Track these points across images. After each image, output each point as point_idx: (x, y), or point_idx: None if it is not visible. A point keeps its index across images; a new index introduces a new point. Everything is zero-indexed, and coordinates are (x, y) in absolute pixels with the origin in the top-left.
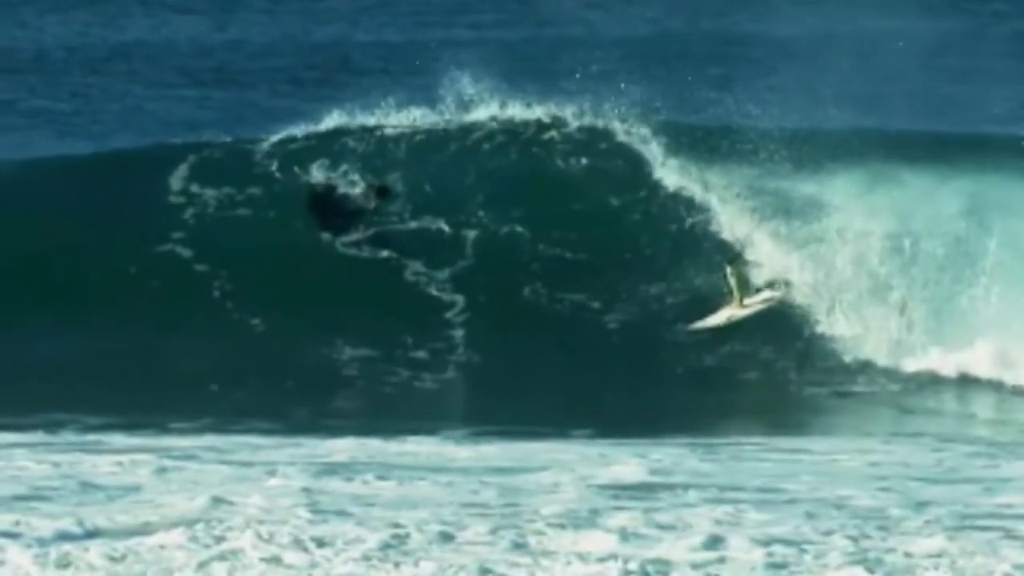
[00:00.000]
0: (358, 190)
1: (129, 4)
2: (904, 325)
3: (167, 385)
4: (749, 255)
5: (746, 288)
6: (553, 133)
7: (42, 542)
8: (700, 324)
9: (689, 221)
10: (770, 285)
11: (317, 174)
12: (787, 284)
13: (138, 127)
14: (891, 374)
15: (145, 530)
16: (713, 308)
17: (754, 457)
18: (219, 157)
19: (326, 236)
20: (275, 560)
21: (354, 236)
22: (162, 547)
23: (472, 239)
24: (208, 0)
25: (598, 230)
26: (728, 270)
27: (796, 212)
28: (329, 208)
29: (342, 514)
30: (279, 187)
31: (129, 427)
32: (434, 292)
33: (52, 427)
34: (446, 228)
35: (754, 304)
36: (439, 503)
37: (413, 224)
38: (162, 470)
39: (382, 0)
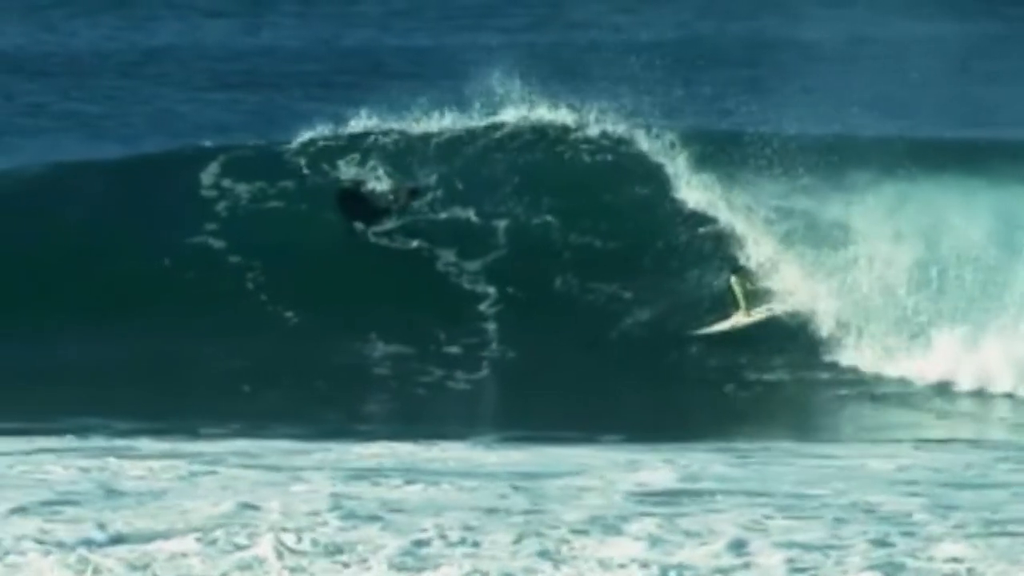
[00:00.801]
0: (388, 189)
1: (158, 8)
2: (931, 333)
3: (198, 389)
4: (769, 275)
5: (750, 298)
6: (578, 136)
7: (64, 547)
8: (704, 331)
9: (709, 228)
10: (773, 297)
11: (347, 174)
12: (790, 295)
13: (168, 130)
14: (920, 380)
15: (168, 536)
16: (723, 315)
17: (782, 462)
18: (249, 159)
19: (358, 229)
20: (298, 569)
21: (385, 228)
22: (184, 554)
23: (503, 229)
24: (238, 3)
25: (622, 236)
26: (733, 280)
27: (823, 238)
28: (360, 207)
29: (367, 519)
30: (310, 187)
31: (158, 432)
32: (466, 284)
33: (81, 432)
34: (476, 220)
35: (759, 314)
36: (464, 509)
37: (443, 215)
38: (188, 475)
39: (412, 5)
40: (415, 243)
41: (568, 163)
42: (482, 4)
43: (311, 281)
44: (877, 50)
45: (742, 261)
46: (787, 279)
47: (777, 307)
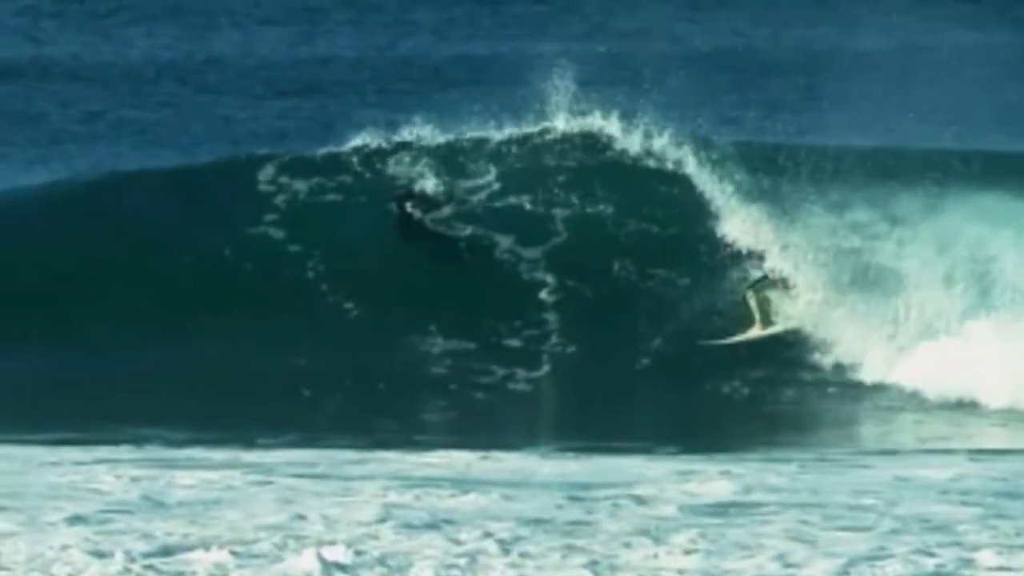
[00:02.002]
0: (441, 197)
1: (216, 16)
2: (983, 346)
3: (256, 397)
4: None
5: (766, 313)
6: (629, 146)
7: (108, 557)
8: (719, 342)
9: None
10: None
11: (401, 181)
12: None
13: (225, 137)
14: (972, 391)
15: (211, 546)
16: (743, 328)
17: (836, 472)
18: (306, 165)
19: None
20: None
21: (437, 233)
22: (228, 565)
23: (561, 218)
24: (294, 12)
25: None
26: (749, 294)
27: (871, 284)
28: (413, 214)
29: (415, 529)
30: (367, 193)
31: (213, 441)
32: (524, 274)
33: (137, 441)
34: (525, 229)
35: (774, 331)
36: (515, 519)
37: (497, 216)
38: (240, 486)
39: (467, 13)
40: (472, 235)
41: (611, 174)
42: (537, 12)
43: (369, 284)
44: (932, 59)
45: (762, 274)
46: (826, 293)
47: (791, 326)
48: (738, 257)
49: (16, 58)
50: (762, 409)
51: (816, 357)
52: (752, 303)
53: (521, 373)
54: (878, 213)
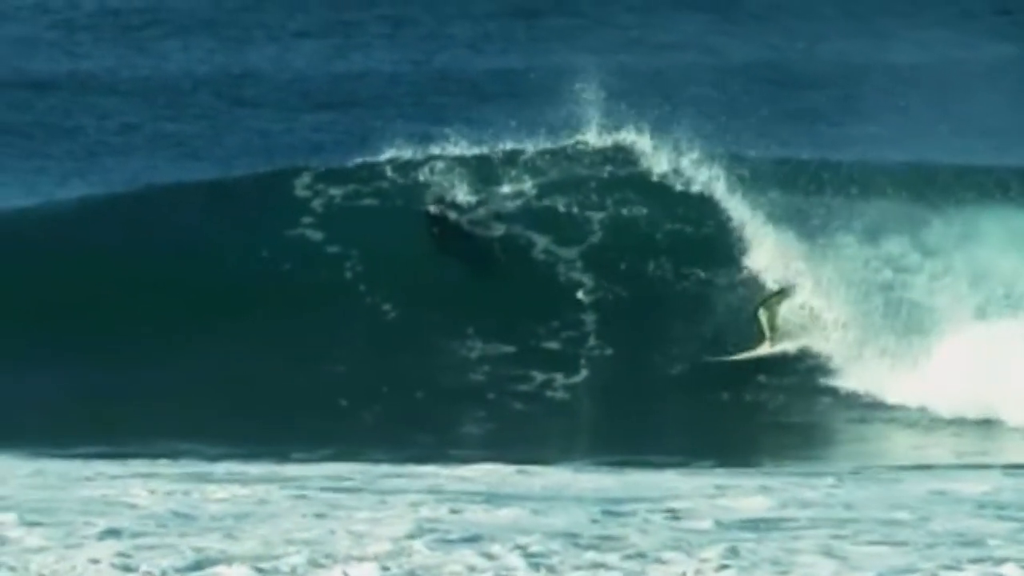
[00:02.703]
0: (473, 209)
1: (251, 29)
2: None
3: (292, 409)
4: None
5: (776, 331)
6: (664, 161)
7: (135, 572)
8: (728, 358)
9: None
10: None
11: (435, 194)
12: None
13: (261, 151)
14: (1006, 406)
15: (234, 562)
16: (753, 344)
17: (872, 487)
18: (342, 178)
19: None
20: None
21: (470, 246)
22: None
23: (595, 223)
24: (329, 26)
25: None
26: (760, 311)
27: (902, 298)
28: (446, 226)
29: (448, 544)
30: (403, 205)
31: (247, 455)
32: (561, 275)
33: (172, 455)
34: (566, 216)
35: (783, 348)
36: (548, 534)
37: (534, 209)
38: (273, 500)
39: (503, 27)
40: (508, 235)
41: (642, 188)
42: (572, 25)
43: (406, 290)
44: (967, 72)
45: (775, 289)
46: (858, 307)
47: (801, 344)
48: (765, 271)
49: (52, 71)
50: (796, 421)
51: (850, 371)
52: (763, 319)
53: (559, 379)
54: (907, 229)
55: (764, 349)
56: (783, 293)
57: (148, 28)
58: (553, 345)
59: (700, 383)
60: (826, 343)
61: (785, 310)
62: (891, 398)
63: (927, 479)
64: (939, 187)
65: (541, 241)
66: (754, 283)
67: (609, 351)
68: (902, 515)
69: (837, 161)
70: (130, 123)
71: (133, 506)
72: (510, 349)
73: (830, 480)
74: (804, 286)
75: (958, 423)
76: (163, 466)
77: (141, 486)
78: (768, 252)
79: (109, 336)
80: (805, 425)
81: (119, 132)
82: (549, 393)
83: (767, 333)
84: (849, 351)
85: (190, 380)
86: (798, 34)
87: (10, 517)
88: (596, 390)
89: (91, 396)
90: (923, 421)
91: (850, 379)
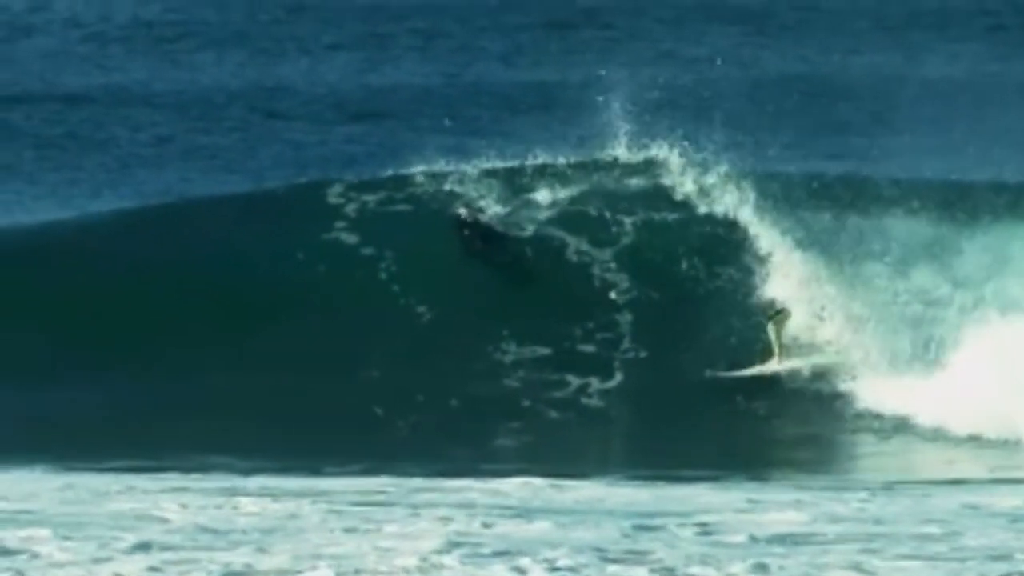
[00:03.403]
0: (500, 221)
1: (283, 41)
2: None
3: (325, 423)
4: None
5: (784, 346)
6: (692, 176)
7: None
8: (734, 373)
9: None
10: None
11: (465, 204)
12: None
13: (294, 163)
14: None
15: None
16: (760, 359)
17: (902, 501)
18: (375, 191)
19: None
20: None
21: (498, 257)
22: None
23: (625, 232)
24: (361, 38)
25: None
26: (769, 326)
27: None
28: (475, 236)
29: (479, 559)
30: (434, 217)
31: (279, 470)
32: (597, 273)
33: (203, 470)
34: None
35: (791, 364)
36: (579, 548)
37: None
38: (305, 515)
39: (534, 39)
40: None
41: (671, 202)
42: (604, 38)
43: (439, 299)
44: (1001, 86)
45: (778, 308)
46: (888, 324)
47: (809, 361)
48: (790, 286)
49: (84, 84)
50: (825, 434)
51: (879, 385)
52: (772, 334)
53: (595, 383)
54: (936, 246)
55: (772, 364)
56: (786, 311)
57: (181, 40)
58: (588, 348)
59: (729, 394)
60: (855, 358)
61: (793, 324)
62: (920, 413)
63: (958, 493)
64: (971, 203)
65: (572, 244)
66: (779, 295)
67: (644, 354)
68: (932, 529)
69: (865, 177)
70: (163, 135)
71: (163, 520)
72: (545, 352)
73: (861, 494)
74: (830, 302)
75: (987, 438)
76: (194, 480)
77: (172, 500)
78: (795, 271)
79: (141, 349)
80: (834, 439)
81: (152, 144)
82: (584, 400)
83: (775, 348)
84: (878, 366)
85: (222, 393)
86: (831, 47)
87: (41, 531)
88: (630, 396)
89: (122, 409)
90: (952, 436)
91: (879, 394)
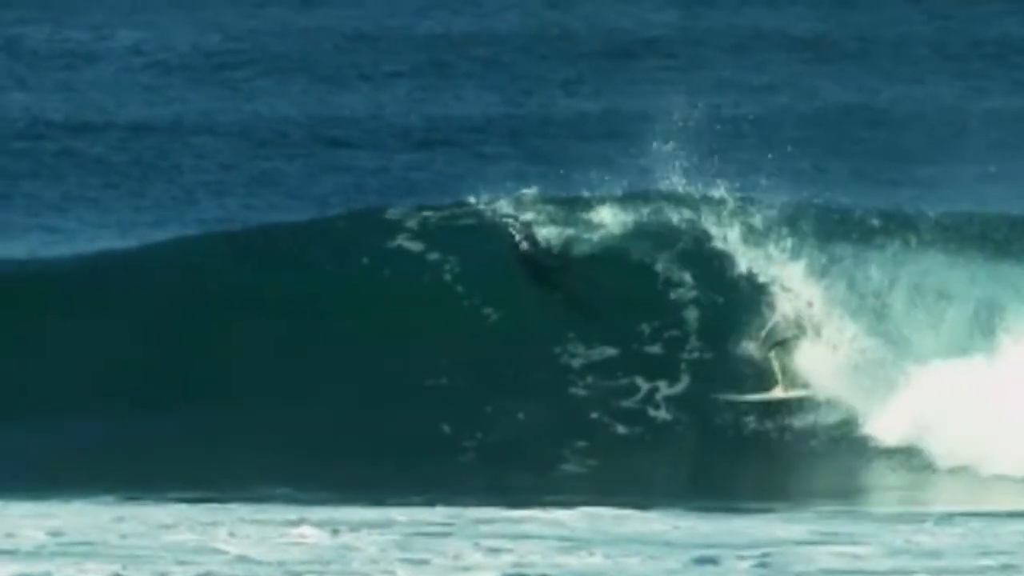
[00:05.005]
0: (557, 250)
1: (344, 69)
2: None
3: (386, 447)
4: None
5: (788, 375)
6: (750, 208)
7: None
8: (738, 397)
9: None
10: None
11: (524, 232)
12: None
13: (356, 191)
14: None
15: None
16: (766, 387)
17: (961, 532)
18: (437, 218)
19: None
20: None
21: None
22: None
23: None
24: (421, 67)
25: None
26: (771, 355)
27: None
28: (531, 263)
29: None
30: (495, 245)
31: (339, 500)
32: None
33: (260, 501)
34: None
35: (794, 394)
36: None
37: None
38: (362, 546)
39: (596, 68)
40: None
41: (723, 233)
42: (666, 67)
43: (500, 331)
44: None
45: (781, 336)
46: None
47: (810, 392)
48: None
49: (148, 113)
50: (882, 466)
51: (939, 420)
52: (775, 363)
53: (663, 388)
54: (974, 281)
55: (777, 393)
56: (791, 339)
57: (241, 69)
58: (656, 350)
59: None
60: (919, 392)
61: (797, 353)
62: (974, 446)
63: (1014, 524)
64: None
65: (624, 276)
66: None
67: (711, 349)
68: (989, 562)
69: (919, 211)
70: (226, 163)
71: (218, 552)
72: (612, 354)
73: (918, 527)
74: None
75: None
76: (252, 511)
77: (227, 532)
78: (834, 302)
79: (203, 377)
80: (891, 470)
81: (215, 172)
82: (652, 411)
83: (779, 378)
84: (939, 399)
85: (281, 423)
86: (893, 76)
87: (98, 564)
88: (699, 398)
89: (182, 439)
90: (1007, 468)
91: (936, 427)
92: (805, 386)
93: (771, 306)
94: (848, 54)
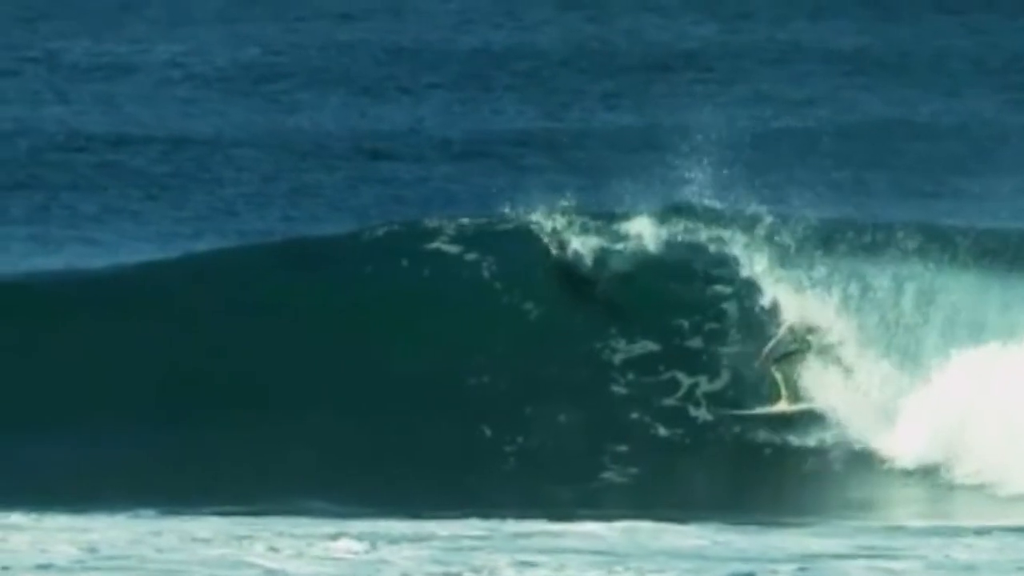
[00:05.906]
0: (594, 264)
1: (383, 81)
2: None
3: (424, 458)
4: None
5: (791, 390)
6: (778, 235)
7: None
8: (741, 412)
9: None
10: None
11: (562, 246)
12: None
13: (396, 203)
14: None
15: None
16: (771, 401)
17: (995, 546)
18: (477, 232)
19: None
20: None
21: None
22: None
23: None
24: (460, 79)
25: None
26: (773, 368)
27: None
28: (569, 277)
29: None
30: (534, 258)
31: (375, 514)
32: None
33: (295, 514)
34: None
35: (797, 409)
36: None
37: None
38: (397, 560)
39: (635, 82)
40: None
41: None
42: (706, 80)
43: (539, 340)
44: None
45: (785, 350)
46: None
47: (813, 408)
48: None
49: (187, 125)
50: (920, 478)
51: (977, 434)
52: (779, 377)
53: (703, 384)
54: (992, 296)
55: (780, 407)
56: (799, 350)
57: (280, 81)
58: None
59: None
60: (961, 405)
61: (800, 367)
62: (1009, 459)
63: None
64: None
65: (659, 289)
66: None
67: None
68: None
69: (955, 228)
70: (266, 175)
71: (253, 565)
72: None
73: (955, 540)
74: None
75: None
76: (288, 525)
77: (263, 545)
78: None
79: (240, 391)
80: (925, 485)
81: (255, 184)
82: (692, 411)
83: (782, 392)
84: (964, 418)
85: (319, 434)
86: (933, 89)
87: None
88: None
89: (218, 453)
90: None
91: (974, 441)
92: (806, 407)
93: (801, 317)
94: (888, 68)
